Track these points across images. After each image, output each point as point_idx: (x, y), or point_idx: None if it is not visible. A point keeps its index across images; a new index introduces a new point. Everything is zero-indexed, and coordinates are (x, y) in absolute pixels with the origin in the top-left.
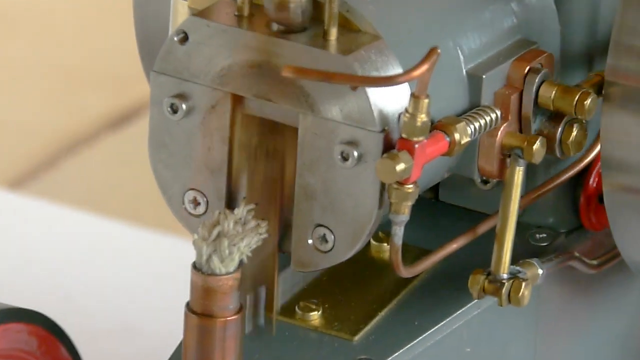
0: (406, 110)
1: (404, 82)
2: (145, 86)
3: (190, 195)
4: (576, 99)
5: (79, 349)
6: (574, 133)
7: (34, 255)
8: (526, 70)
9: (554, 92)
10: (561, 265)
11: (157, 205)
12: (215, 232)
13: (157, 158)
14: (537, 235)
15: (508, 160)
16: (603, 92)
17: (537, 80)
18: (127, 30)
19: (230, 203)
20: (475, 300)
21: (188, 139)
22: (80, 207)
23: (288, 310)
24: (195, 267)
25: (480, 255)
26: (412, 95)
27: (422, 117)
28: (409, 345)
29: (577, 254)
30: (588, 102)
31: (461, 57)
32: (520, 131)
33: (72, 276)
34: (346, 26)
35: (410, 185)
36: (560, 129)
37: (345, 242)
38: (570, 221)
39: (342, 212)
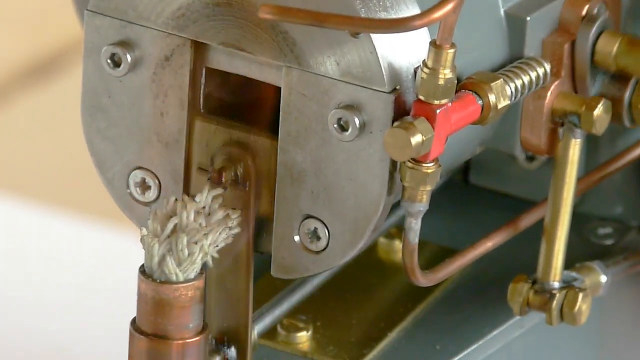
0: (424, 64)
1: (422, 26)
2: (73, 24)
3: (137, 176)
4: None
5: None
6: None
7: None
8: (584, 11)
9: (616, 46)
10: (632, 270)
11: (91, 189)
12: (170, 226)
13: (93, 127)
14: (600, 231)
15: (560, 130)
16: None
17: (592, 31)
18: None
19: (190, 187)
20: (517, 318)
21: (134, 101)
22: None
23: (268, 329)
24: (143, 272)
25: (523, 257)
26: (433, 43)
27: (446, 73)
28: None
29: None
30: None
31: None
32: (576, 92)
33: None
34: None
35: (430, 164)
36: (629, 91)
37: (343, 239)
38: None
39: (340, 199)
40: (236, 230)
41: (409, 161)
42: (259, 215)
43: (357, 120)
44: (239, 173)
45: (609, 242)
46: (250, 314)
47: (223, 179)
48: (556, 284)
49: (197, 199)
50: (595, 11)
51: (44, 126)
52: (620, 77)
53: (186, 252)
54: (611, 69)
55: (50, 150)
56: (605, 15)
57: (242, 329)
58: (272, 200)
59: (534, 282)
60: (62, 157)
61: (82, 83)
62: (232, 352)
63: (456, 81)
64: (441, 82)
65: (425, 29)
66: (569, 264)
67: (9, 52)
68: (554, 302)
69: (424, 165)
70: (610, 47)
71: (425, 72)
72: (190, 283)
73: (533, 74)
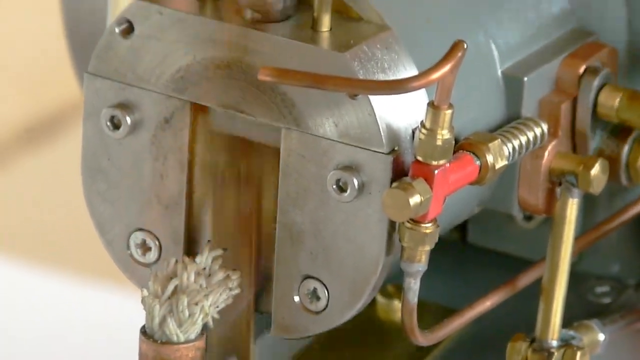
0: (422, 125)
1: (420, 87)
2: (72, 89)
3: (138, 237)
4: None
5: None
6: None
7: None
8: (581, 71)
9: (618, 99)
10: (629, 327)
11: (89, 250)
12: (170, 287)
13: (93, 189)
14: (598, 289)
15: (558, 189)
16: None
17: (595, 84)
18: (50, 14)
19: (191, 248)
20: None
21: (134, 164)
22: None
23: None
24: (144, 332)
25: (522, 316)
26: (431, 104)
27: (444, 134)
28: None
29: None
30: None
31: (495, 53)
32: (574, 151)
33: None
34: (343, 13)
35: (429, 224)
36: (626, 148)
37: (342, 299)
38: None
39: (339, 259)
40: (236, 291)
41: (407, 222)
42: (259, 275)
43: (355, 181)
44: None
45: (606, 300)
46: (253, 318)
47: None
48: (554, 343)
49: (198, 260)
50: (595, 65)
51: (45, 188)
52: (619, 133)
53: (187, 313)
54: (613, 122)
55: (51, 212)
56: (606, 70)
57: (244, 334)
58: (272, 261)
59: (533, 341)
60: (62, 218)
61: (82, 145)
62: None
63: (454, 142)
64: (439, 142)
65: (423, 90)
66: (567, 323)
67: (9, 114)
68: None
69: (422, 225)
70: (613, 101)
71: (423, 133)
72: (191, 344)
73: (530, 134)
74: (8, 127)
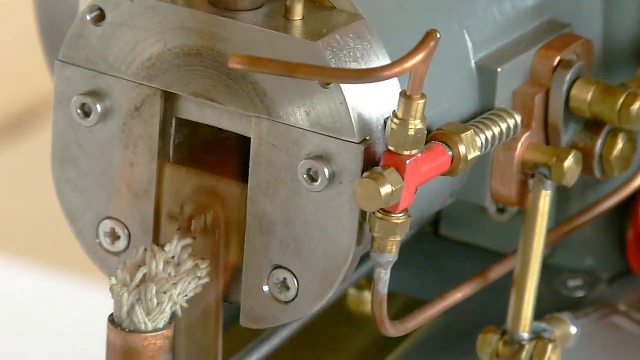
0: (394, 115)
1: (392, 76)
2: (46, 80)
3: (107, 225)
4: (620, 102)
5: None
6: (619, 146)
7: None
8: (556, 62)
9: (591, 92)
10: (602, 321)
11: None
12: (139, 276)
13: (63, 177)
14: (570, 283)
15: (531, 181)
16: None
17: (568, 77)
18: (23, 4)
19: (159, 237)
20: None
21: (104, 152)
22: None
23: None
24: (112, 321)
25: (493, 308)
26: (403, 94)
27: (416, 124)
28: None
29: (622, 307)
30: (636, 106)
31: (469, 43)
32: (547, 143)
33: None
34: (316, 1)
35: (399, 214)
36: (600, 141)
37: (312, 289)
38: (614, 264)
39: (309, 249)
40: (205, 280)
41: (378, 211)
42: (227, 264)
43: (326, 171)
44: (208, 221)
45: (579, 294)
46: (221, 304)
47: (192, 227)
48: (525, 335)
49: (167, 248)
50: (569, 58)
51: (18, 177)
52: (593, 126)
53: (155, 301)
54: (586, 116)
55: (24, 200)
56: (580, 63)
57: (212, 318)
58: (242, 250)
59: (504, 333)
60: (33, 209)
61: (52, 133)
62: None
63: (426, 132)
64: (411, 132)
65: (395, 79)
66: (538, 315)
67: None
68: (523, 353)
69: (393, 215)
70: (585, 94)
71: (395, 123)
72: (159, 332)
73: (503, 125)
74: None
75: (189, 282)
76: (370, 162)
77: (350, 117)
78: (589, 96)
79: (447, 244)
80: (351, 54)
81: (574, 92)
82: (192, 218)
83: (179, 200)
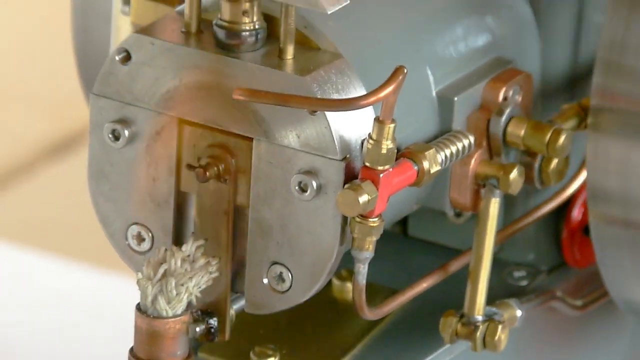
0: (370, 137)
1: (368, 105)
2: (86, 110)
3: (134, 230)
4: (547, 138)
5: None
6: (555, 161)
7: None
8: (502, 94)
9: (523, 130)
10: (542, 306)
11: (100, 242)
12: (161, 271)
13: (98, 190)
14: (516, 274)
15: (483, 191)
16: (589, 116)
17: (503, 119)
18: (67, 45)
19: (178, 239)
20: (448, 345)
21: (131, 169)
22: (16, 243)
23: (243, 355)
24: (139, 309)
25: (453, 296)
26: (377, 119)
27: (388, 144)
28: None
29: (559, 294)
30: (561, 141)
31: (431, 77)
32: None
33: (5, 318)
34: (304, 44)
35: (375, 219)
36: (538, 160)
37: (303, 281)
38: (552, 258)
39: (301, 248)
40: (216, 274)
41: (357, 217)
42: (234, 261)
43: (314, 184)
44: (221, 169)
45: (523, 283)
46: (229, 292)
47: (207, 174)
48: (479, 318)
49: (183, 248)
50: (510, 94)
51: (65, 190)
52: (530, 153)
53: (174, 292)
54: (521, 149)
55: (71, 209)
56: (515, 103)
57: (222, 303)
58: (245, 249)
59: (462, 316)
60: (78, 214)
61: (88, 154)
62: (214, 321)
63: (396, 150)
64: (384, 151)
65: (370, 107)
66: (490, 301)
67: (37, 132)
68: (478, 333)
69: (369, 220)
70: (519, 131)
71: (370, 143)
72: (178, 318)
73: (460, 145)
74: (34, 142)
75: (202, 276)
76: (350, 176)
77: (334, 138)
78: (522, 132)
79: (414, 243)
80: (334, 86)
81: (509, 129)
82: (207, 168)
83: (196, 154)
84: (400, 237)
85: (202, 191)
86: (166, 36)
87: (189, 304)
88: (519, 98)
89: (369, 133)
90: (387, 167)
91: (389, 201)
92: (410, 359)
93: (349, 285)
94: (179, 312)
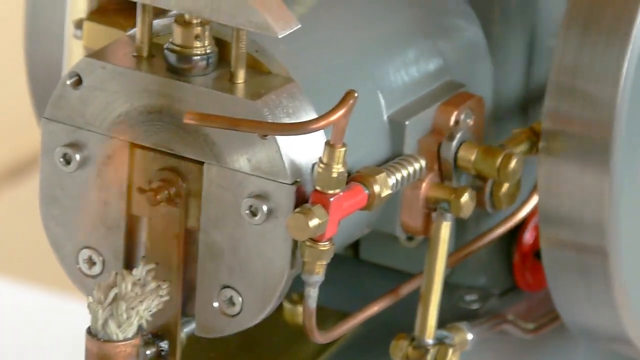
0: (320, 160)
1: (319, 129)
2: (38, 134)
3: (85, 254)
4: (498, 162)
5: None
6: (506, 185)
7: None
8: (453, 118)
9: (474, 154)
10: (493, 329)
11: (52, 265)
12: (111, 295)
13: (49, 214)
14: (467, 297)
15: (434, 214)
16: (540, 140)
17: (454, 144)
18: (20, 69)
19: (129, 262)
20: None
21: (82, 193)
22: None
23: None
24: (90, 332)
25: (404, 319)
26: (327, 143)
27: (338, 168)
28: None
29: (510, 317)
30: (512, 165)
31: (382, 100)
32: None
33: None
34: (255, 68)
35: (325, 243)
36: (489, 184)
37: (254, 305)
38: (503, 281)
39: (251, 272)
40: (166, 298)
41: (307, 241)
42: (185, 285)
43: (265, 208)
44: (172, 193)
45: (474, 306)
46: (180, 315)
47: (158, 198)
48: (430, 341)
49: (134, 272)
50: (461, 118)
51: (20, 214)
52: (481, 178)
53: (125, 316)
54: (472, 173)
55: (25, 233)
56: (466, 126)
57: (172, 327)
58: (196, 273)
59: (413, 340)
60: (32, 238)
61: (39, 178)
62: (165, 344)
63: (347, 174)
64: (334, 175)
65: (321, 131)
66: (441, 325)
67: None
68: (429, 356)
69: (320, 244)
70: (470, 156)
71: (321, 167)
72: (128, 341)
73: (411, 169)
74: None
75: (153, 300)
76: (301, 200)
77: (284, 163)
78: (473, 157)
79: (365, 266)
80: (285, 110)
81: (460, 154)
82: (158, 191)
83: (147, 177)
84: (351, 260)
85: (153, 215)
86: (117, 60)
87: (140, 327)
88: (470, 122)
89: (320, 157)
90: (337, 191)
91: (340, 225)
92: None
93: (300, 308)
94: (130, 335)
